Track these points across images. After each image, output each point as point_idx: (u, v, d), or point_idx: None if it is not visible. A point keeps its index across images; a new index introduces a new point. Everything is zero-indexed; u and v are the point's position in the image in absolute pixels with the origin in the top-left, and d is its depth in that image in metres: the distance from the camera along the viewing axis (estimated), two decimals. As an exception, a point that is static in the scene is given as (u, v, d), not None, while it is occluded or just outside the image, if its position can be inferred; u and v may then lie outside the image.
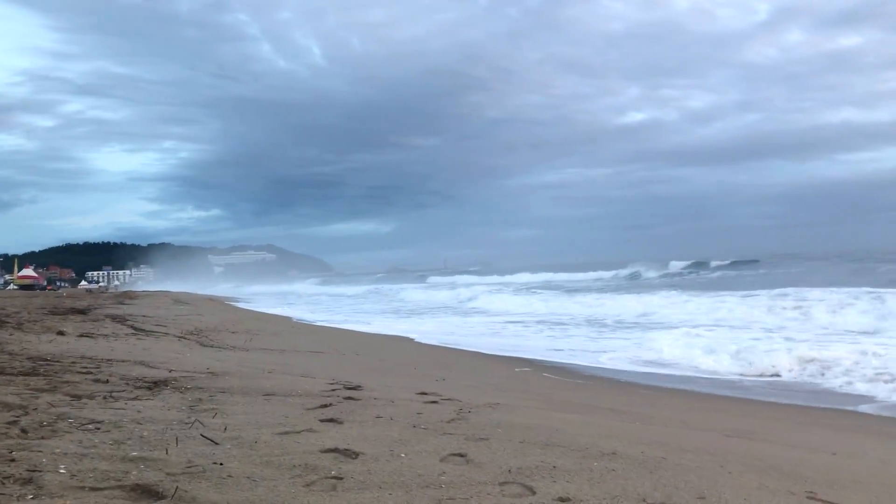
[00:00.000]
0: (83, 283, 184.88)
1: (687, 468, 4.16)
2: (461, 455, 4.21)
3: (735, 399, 10.47)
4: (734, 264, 64.68)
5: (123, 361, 8.24)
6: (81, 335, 12.18)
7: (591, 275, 69.22)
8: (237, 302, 50.62)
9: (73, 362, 7.79)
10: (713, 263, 65.97)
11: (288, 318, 29.67)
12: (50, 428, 4.26)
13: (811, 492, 4.00)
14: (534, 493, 3.46)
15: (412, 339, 19.76)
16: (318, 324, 26.26)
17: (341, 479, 3.56)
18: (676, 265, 65.10)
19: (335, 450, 4.17)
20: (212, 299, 52.47)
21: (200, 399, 5.91)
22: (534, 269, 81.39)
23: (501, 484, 3.61)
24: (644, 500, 3.36)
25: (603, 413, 7.76)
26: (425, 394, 7.17)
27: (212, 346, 12.70)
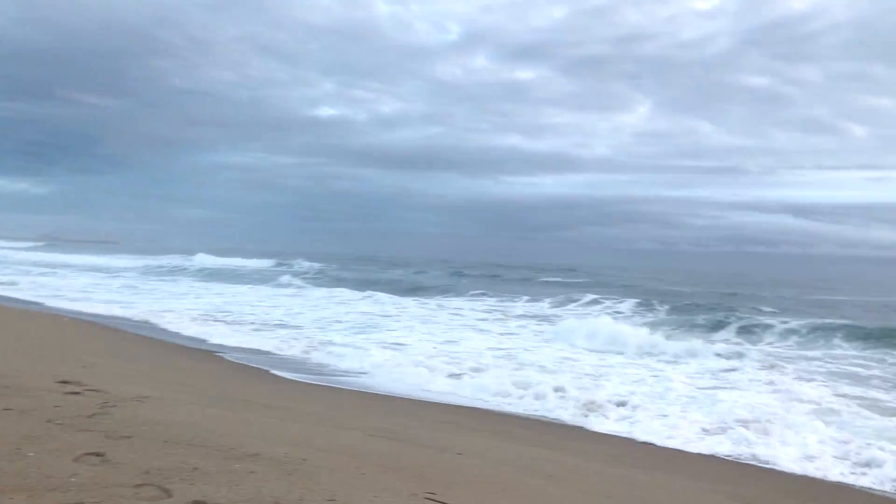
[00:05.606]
0: None
1: (324, 469, 4.42)
2: (98, 454, 4.07)
3: (383, 397, 11.14)
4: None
5: None
6: None
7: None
8: None
9: None
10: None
11: None
12: None
13: (430, 493, 4.46)
14: (170, 495, 3.48)
15: (62, 317, 18.23)
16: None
17: (-47, 481, 3.28)
18: (305, 264, 64.36)
19: (-50, 447, 3.81)
20: None
21: None
22: (190, 250, 77.89)
23: (137, 486, 3.57)
24: (277, 503, 3.53)
25: (257, 409, 7.86)
26: (67, 382, 6.72)
27: None
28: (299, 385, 11.55)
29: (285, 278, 43.97)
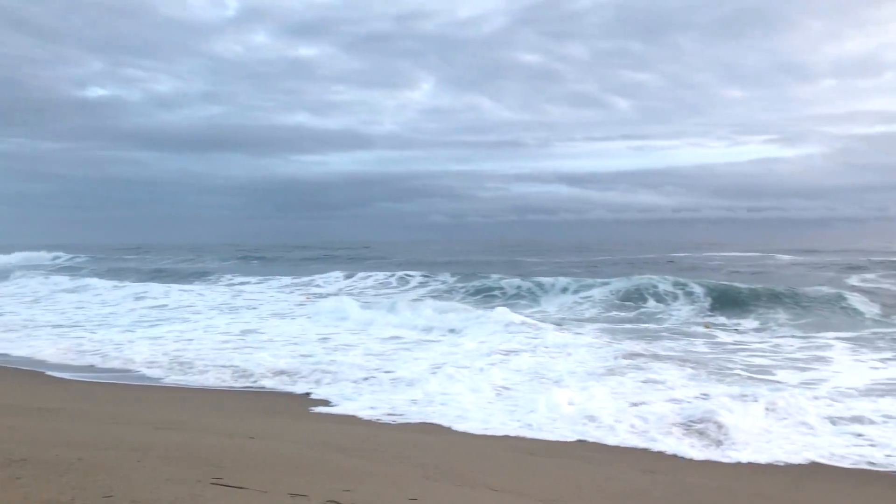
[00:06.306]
0: None
1: (101, 466, 4.23)
2: None
3: (171, 389, 10.74)
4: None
5: None
6: None
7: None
8: None
9: None
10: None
11: None
12: None
13: (218, 477, 4.41)
14: (-80, 513, 3.20)
15: None
16: None
17: None
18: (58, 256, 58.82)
19: None
20: None
21: None
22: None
23: None
24: (48, 506, 3.36)
25: (29, 413, 7.34)
26: None
27: None
28: (79, 385, 10.86)
29: (37, 274, 38.85)
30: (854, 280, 29.52)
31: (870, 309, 19.54)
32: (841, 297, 20.49)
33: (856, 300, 20.26)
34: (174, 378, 11.52)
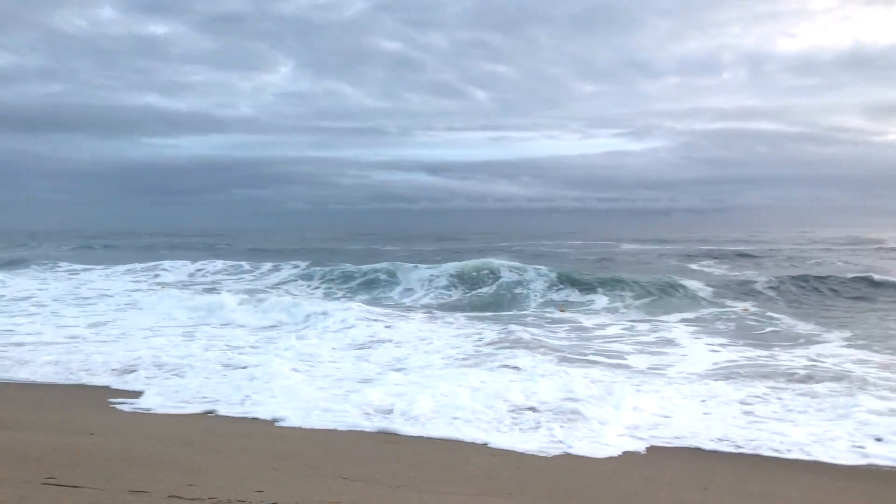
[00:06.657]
0: None
1: (-87, 472, 3.82)
2: None
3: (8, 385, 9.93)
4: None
5: None
6: None
7: None
8: None
9: None
10: None
11: None
12: None
13: (51, 476, 4.10)
14: None
15: None
16: None
17: None
18: None
19: None
20: None
21: None
22: None
23: None
24: None
25: None
26: None
27: None
28: None
29: None
30: (694, 266, 31.42)
31: (706, 292, 20.86)
32: (681, 283, 21.71)
33: (695, 285, 21.54)
34: (3, 375, 10.64)
